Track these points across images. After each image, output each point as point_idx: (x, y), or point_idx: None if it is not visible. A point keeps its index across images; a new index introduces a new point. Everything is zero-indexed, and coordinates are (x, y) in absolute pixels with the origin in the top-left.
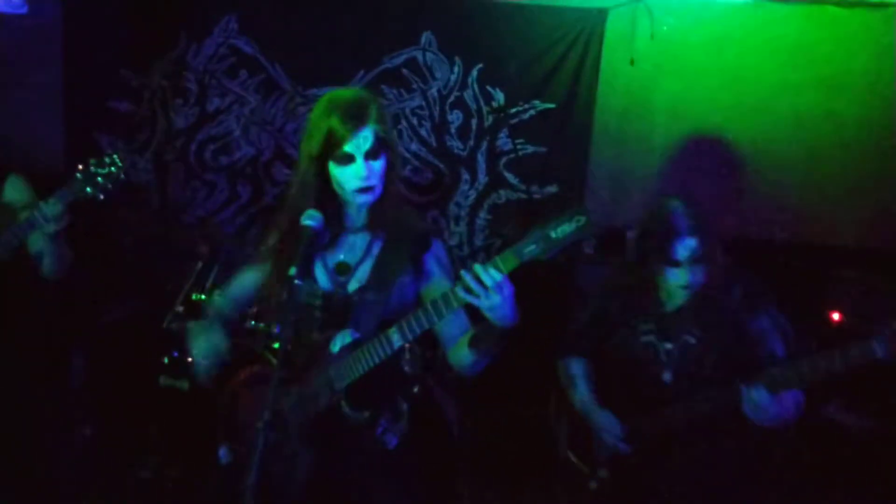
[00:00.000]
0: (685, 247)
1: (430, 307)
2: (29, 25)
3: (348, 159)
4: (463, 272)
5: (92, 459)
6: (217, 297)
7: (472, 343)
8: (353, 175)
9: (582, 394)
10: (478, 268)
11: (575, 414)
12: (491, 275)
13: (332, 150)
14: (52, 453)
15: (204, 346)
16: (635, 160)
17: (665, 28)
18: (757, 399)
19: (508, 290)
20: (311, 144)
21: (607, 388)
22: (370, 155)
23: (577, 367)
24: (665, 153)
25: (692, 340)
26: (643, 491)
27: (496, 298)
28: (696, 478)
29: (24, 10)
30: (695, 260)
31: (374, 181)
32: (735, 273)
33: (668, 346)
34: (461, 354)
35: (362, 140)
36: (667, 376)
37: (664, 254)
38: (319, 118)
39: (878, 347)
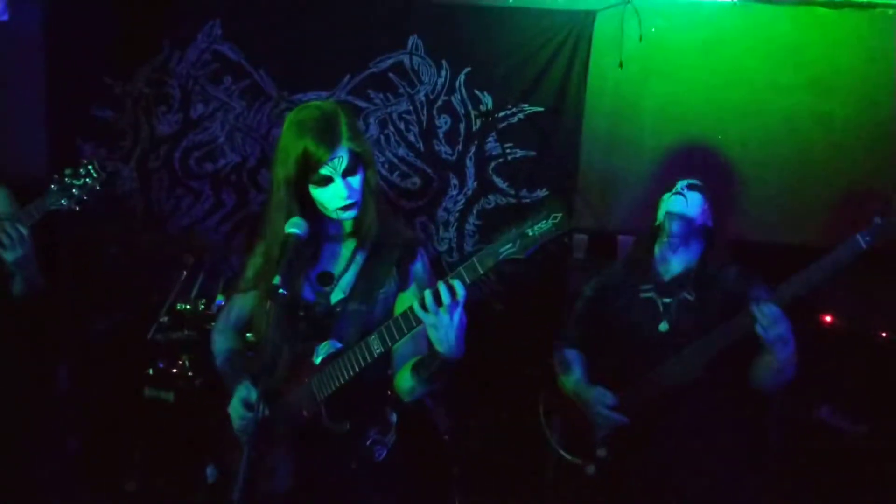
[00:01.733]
0: (685, 181)
1: (400, 319)
2: (10, 32)
3: (327, 181)
4: (426, 291)
5: (77, 471)
6: (219, 336)
7: (414, 367)
8: (334, 195)
9: (575, 375)
10: (440, 285)
11: (565, 410)
12: (454, 287)
13: (308, 173)
14: (38, 465)
15: (238, 407)
16: (625, 163)
17: (653, 30)
18: (768, 312)
19: (459, 317)
20: (286, 169)
21: (605, 351)
22: (348, 173)
23: (571, 354)
24: (655, 155)
25: (690, 298)
26: (644, 462)
27: (444, 318)
28: (693, 446)
29: (6, 17)
30: (691, 186)
31: (356, 196)
32: (731, 260)
33: (668, 300)
34: (403, 377)
35: (338, 161)
36: (663, 326)
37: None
38: (291, 142)
39: (863, 240)
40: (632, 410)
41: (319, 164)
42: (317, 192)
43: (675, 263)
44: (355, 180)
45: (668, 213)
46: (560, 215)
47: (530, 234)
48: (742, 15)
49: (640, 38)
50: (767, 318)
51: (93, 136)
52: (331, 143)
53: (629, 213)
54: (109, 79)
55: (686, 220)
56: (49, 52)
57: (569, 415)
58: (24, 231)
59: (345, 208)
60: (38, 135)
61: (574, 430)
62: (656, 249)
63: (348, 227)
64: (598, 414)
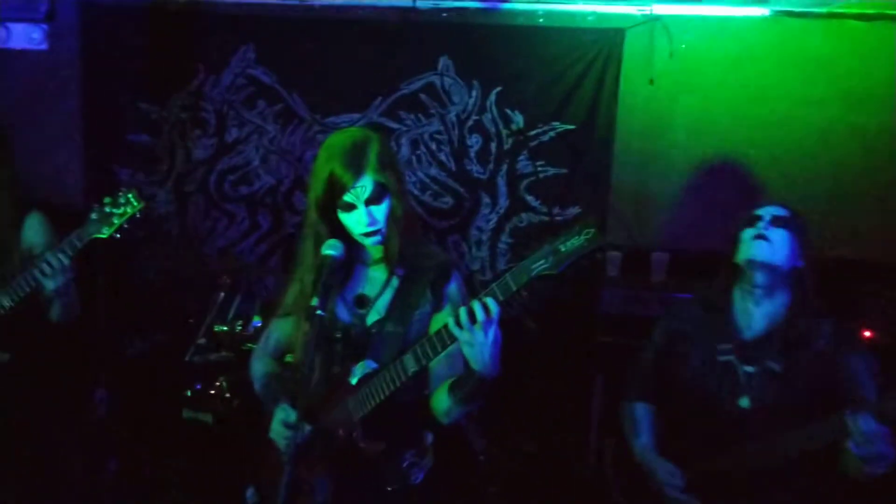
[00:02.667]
0: (768, 210)
1: (434, 337)
2: (48, 61)
3: (350, 207)
4: (461, 309)
5: (116, 493)
6: (257, 362)
7: (451, 387)
8: (357, 221)
9: (644, 442)
10: (474, 303)
11: (632, 464)
12: (488, 305)
13: (334, 198)
14: (77, 488)
15: (280, 428)
16: (658, 179)
17: (683, 46)
18: (865, 428)
19: (494, 334)
20: (316, 191)
21: (676, 419)
22: (371, 202)
23: (642, 413)
24: (687, 171)
25: (776, 368)
26: None
27: (479, 335)
28: None
29: (45, 46)
30: (776, 220)
31: (378, 225)
32: (822, 308)
33: (750, 369)
34: (440, 398)
35: (361, 190)
36: (744, 402)
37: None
38: (321, 165)
39: None
40: (703, 491)
41: (343, 190)
42: (343, 217)
43: (757, 318)
44: (379, 210)
45: (751, 262)
46: (592, 231)
47: (563, 249)
48: (772, 29)
49: (671, 55)
50: (863, 435)
51: (129, 162)
52: (356, 172)
53: (662, 230)
54: (145, 105)
55: (772, 269)
56: (85, 80)
57: (637, 472)
58: (66, 261)
59: (367, 235)
60: (75, 161)
61: (641, 489)
62: (735, 295)
63: (377, 252)
64: (667, 494)
